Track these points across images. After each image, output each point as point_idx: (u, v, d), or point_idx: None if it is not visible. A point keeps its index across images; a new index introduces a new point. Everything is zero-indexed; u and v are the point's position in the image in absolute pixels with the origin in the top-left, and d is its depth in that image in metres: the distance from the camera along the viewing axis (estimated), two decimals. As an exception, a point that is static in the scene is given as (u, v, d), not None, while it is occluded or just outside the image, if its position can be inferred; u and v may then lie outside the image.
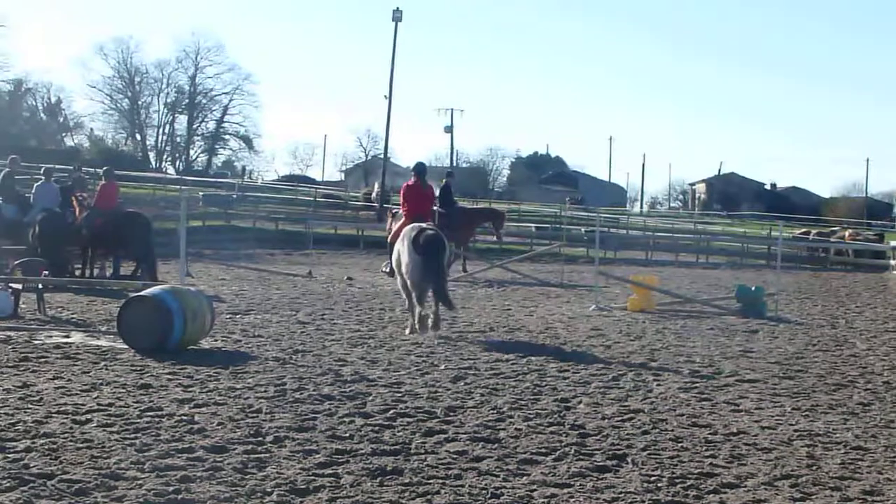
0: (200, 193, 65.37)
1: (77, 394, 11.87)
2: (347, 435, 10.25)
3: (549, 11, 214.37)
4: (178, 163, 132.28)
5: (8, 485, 8.09)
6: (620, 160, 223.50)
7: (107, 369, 13.56)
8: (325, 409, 11.41)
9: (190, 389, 12.33)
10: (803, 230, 67.34)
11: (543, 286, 31.18)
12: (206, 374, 13.32)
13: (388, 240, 21.40)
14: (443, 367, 14.68)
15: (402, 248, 18.58)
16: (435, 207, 35.67)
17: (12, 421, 10.31)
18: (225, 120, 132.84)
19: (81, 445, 9.41)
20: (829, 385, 14.46)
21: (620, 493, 8.59)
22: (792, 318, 23.58)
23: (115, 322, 16.01)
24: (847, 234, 60.90)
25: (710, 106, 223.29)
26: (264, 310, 21.43)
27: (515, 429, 10.82)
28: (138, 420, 10.56)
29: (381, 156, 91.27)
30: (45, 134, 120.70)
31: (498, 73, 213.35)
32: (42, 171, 29.20)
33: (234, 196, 68.08)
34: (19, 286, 19.87)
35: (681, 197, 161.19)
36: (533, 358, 15.81)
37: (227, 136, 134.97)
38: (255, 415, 11.03)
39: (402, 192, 21.18)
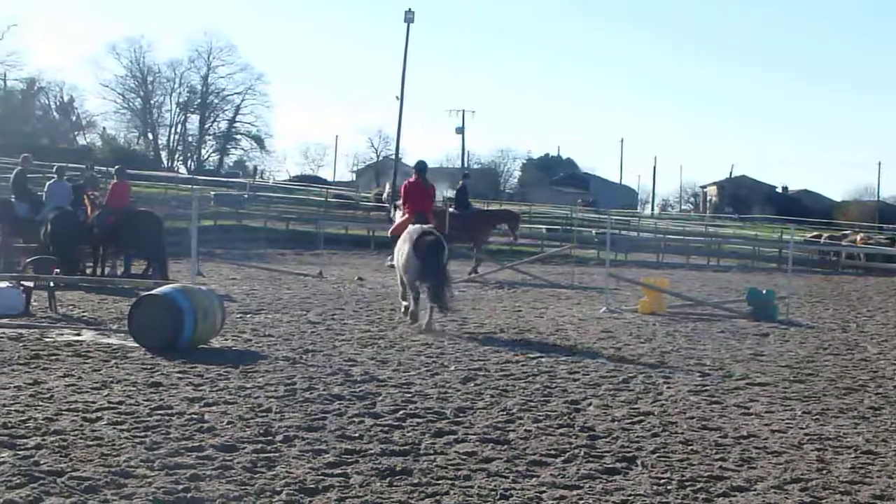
0: (212, 193, 65.45)
1: (87, 391, 11.89)
2: (357, 435, 10.25)
3: (562, 13, 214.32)
4: (189, 162, 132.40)
5: (18, 481, 8.11)
6: (632, 162, 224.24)
7: (117, 367, 13.59)
8: (334, 409, 11.42)
9: (200, 388, 12.35)
10: (815, 233, 67.16)
11: (554, 288, 31.18)
12: (216, 373, 13.33)
13: (390, 234, 22.10)
14: (453, 368, 14.68)
15: (403, 248, 19.31)
16: (451, 209, 35.95)
17: (23, 418, 10.33)
18: (237, 120, 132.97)
19: (91, 443, 9.42)
20: (839, 389, 14.43)
21: (630, 495, 8.58)
22: (803, 322, 23.54)
23: (126, 320, 16.03)
24: (858, 237, 60.76)
25: (721, 108, 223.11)
26: (275, 309, 21.46)
27: (525, 430, 10.82)
28: (148, 418, 10.57)
29: (393, 156, 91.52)
30: (58, 132, 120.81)
31: (509, 75, 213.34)
32: (54, 170, 29.24)
33: (246, 196, 68.11)
34: (31, 284, 19.92)
35: (692, 199, 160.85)
36: (543, 360, 15.80)
37: (238, 136, 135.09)
38: (264, 414, 11.03)
39: (403, 189, 21.90)
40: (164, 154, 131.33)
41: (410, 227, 19.77)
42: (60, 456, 8.92)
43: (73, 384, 12.29)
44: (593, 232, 58.81)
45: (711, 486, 8.95)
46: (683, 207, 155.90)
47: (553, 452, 9.88)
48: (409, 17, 78.16)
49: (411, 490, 8.43)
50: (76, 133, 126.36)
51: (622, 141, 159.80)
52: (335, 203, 71.65)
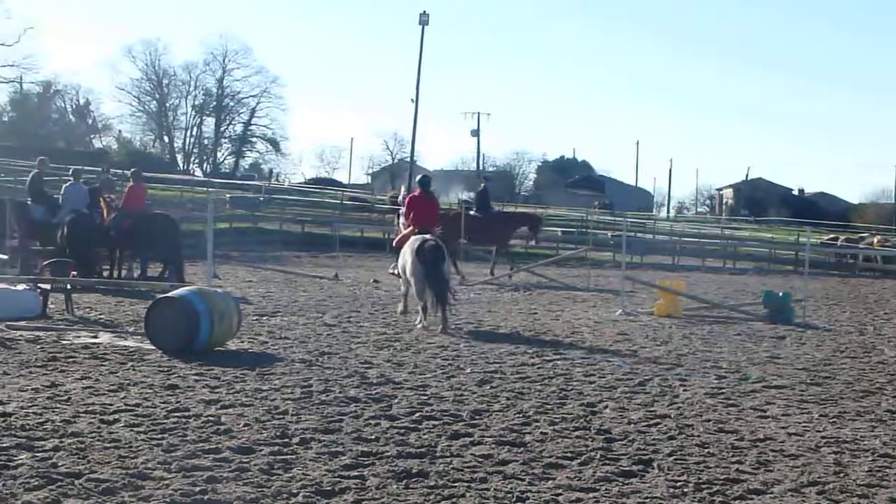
0: (228, 196, 65.48)
1: (105, 394, 11.92)
2: (373, 437, 10.26)
3: (577, 16, 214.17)
4: (205, 165, 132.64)
5: (36, 483, 8.14)
6: (647, 165, 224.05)
7: (134, 370, 13.62)
8: (350, 412, 11.43)
9: (217, 390, 12.38)
10: (831, 236, 66.91)
11: (570, 290, 31.15)
12: (232, 376, 13.36)
13: (395, 244, 23.04)
14: (469, 370, 14.68)
15: (407, 257, 20.29)
16: (472, 211, 36.01)
17: (41, 420, 10.37)
18: (252, 122, 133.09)
19: (109, 445, 9.45)
20: (856, 392, 14.39)
21: (646, 498, 8.58)
22: (820, 325, 23.47)
23: (143, 323, 16.07)
24: (876, 240, 60.55)
25: (738, 110, 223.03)
26: (291, 312, 21.49)
27: (541, 433, 10.81)
28: (165, 420, 10.60)
29: (408, 159, 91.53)
30: (74, 135, 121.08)
31: (525, 77, 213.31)
32: (71, 173, 29.33)
33: (261, 198, 68.19)
34: (48, 286, 19.98)
35: (708, 202, 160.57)
36: (559, 362, 15.80)
37: (254, 139, 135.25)
38: (281, 416, 11.05)
39: (407, 202, 22.84)
40: (179, 157, 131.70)
41: (413, 236, 20.71)
42: (78, 458, 8.95)
43: (90, 386, 12.33)
44: (609, 234, 58.76)
45: (728, 489, 8.93)
46: (699, 210, 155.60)
47: (569, 455, 9.88)
48: (423, 19, 78.25)
49: (427, 492, 8.44)
50: (92, 136, 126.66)
51: (638, 143, 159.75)
52: (350, 206, 71.66)
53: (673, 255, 53.93)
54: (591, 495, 8.57)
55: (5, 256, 24.05)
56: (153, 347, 15.32)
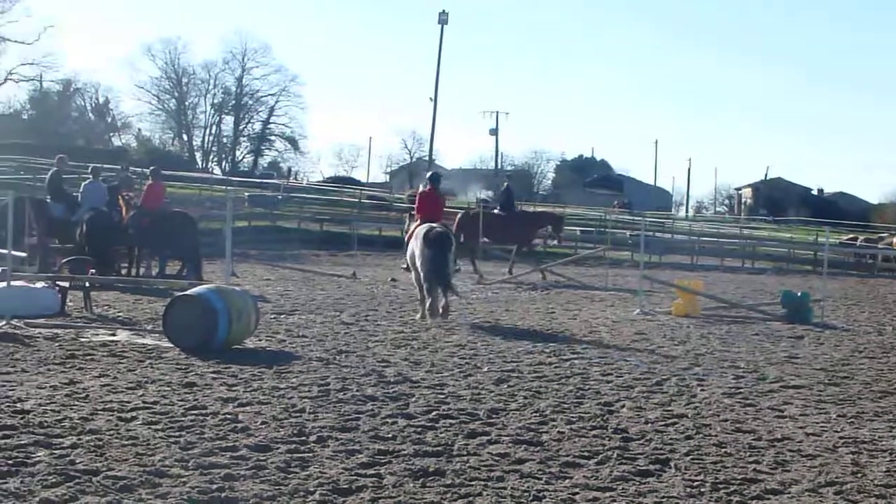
0: (246, 194, 65.56)
1: (123, 391, 11.96)
2: (390, 436, 10.27)
3: (596, 15, 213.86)
4: (224, 163, 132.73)
5: (54, 480, 8.16)
6: (666, 164, 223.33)
7: (152, 367, 13.66)
8: (368, 410, 11.44)
9: (234, 388, 12.40)
10: (850, 236, 66.65)
11: (588, 290, 31.13)
12: (250, 374, 13.39)
13: (406, 239, 23.30)
14: (486, 369, 14.68)
15: (415, 245, 20.98)
16: (495, 210, 36.06)
17: (59, 417, 10.40)
18: (271, 121, 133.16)
19: (126, 442, 9.48)
20: (874, 392, 14.34)
21: (663, 497, 8.57)
22: (838, 325, 23.41)
23: (161, 321, 16.11)
24: (895, 240, 60.36)
25: (757, 110, 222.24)
26: (309, 310, 21.52)
27: (558, 432, 10.81)
28: (183, 418, 10.63)
29: (426, 158, 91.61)
30: (93, 134, 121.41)
31: (543, 76, 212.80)
32: (90, 171, 29.39)
33: (280, 197, 68.25)
34: (67, 284, 20.04)
35: (726, 201, 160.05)
36: (576, 361, 15.79)
37: (272, 137, 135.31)
38: (298, 414, 11.07)
39: (417, 197, 23.60)
40: (198, 155, 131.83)
41: (420, 226, 21.29)
42: (96, 455, 8.98)
43: (108, 384, 12.37)
44: (627, 234, 58.67)
45: (745, 489, 8.91)
46: (718, 209, 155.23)
47: (586, 454, 9.88)
48: (443, 18, 78.48)
49: (444, 491, 8.44)
50: (111, 134, 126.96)
51: (656, 142, 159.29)
52: (369, 204, 71.67)
53: (691, 255, 53.83)
54: (607, 494, 8.57)
55: (24, 254, 24.10)
56: (171, 345, 15.36)
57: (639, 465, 9.53)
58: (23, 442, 9.33)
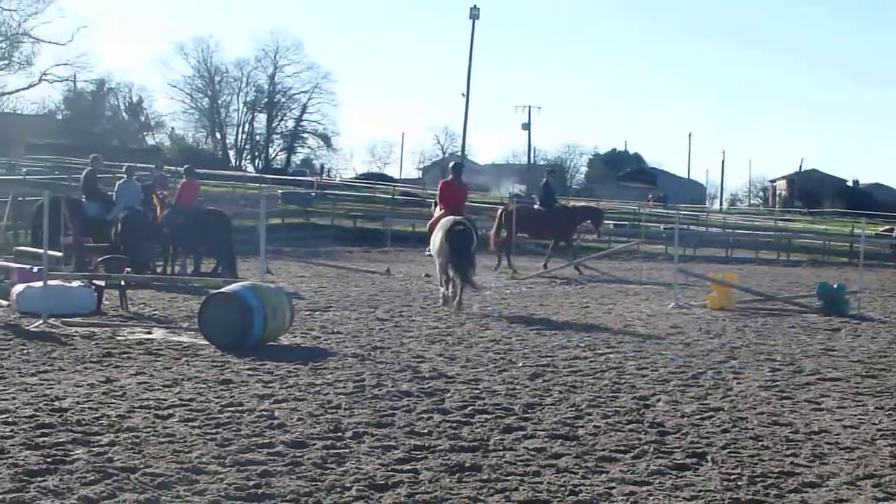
0: (279, 191, 65.71)
1: (159, 389, 12.01)
2: (426, 431, 10.28)
3: (629, 9, 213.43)
4: (257, 161, 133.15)
5: (92, 478, 8.21)
6: (700, 157, 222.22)
7: (188, 365, 13.71)
8: (403, 406, 11.45)
9: (270, 385, 12.44)
10: (886, 227, 66.19)
11: (622, 284, 31.04)
12: (285, 370, 13.42)
13: (428, 228, 24.25)
14: (521, 364, 14.67)
15: (437, 237, 21.59)
16: (536, 205, 36.08)
17: (96, 415, 10.46)
18: (303, 118, 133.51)
19: (164, 440, 9.52)
20: (912, 384, 14.26)
21: (700, 491, 8.54)
22: (875, 317, 23.28)
23: (197, 319, 16.17)
24: (932, 231, 59.91)
25: (790, 102, 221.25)
26: (343, 307, 21.55)
27: (594, 426, 10.79)
28: (219, 415, 10.66)
29: (459, 153, 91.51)
30: (127, 133, 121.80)
31: (576, 70, 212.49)
32: (124, 170, 29.50)
33: (313, 194, 68.32)
34: (103, 283, 20.13)
35: (761, 194, 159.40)
36: (611, 355, 15.76)
37: (305, 135, 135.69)
38: (334, 410, 11.09)
39: (439, 187, 24.52)
40: (231, 153, 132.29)
41: (444, 218, 21.98)
42: (133, 452, 9.03)
43: (144, 382, 12.43)
44: (661, 227, 58.47)
45: (782, 482, 8.88)
46: (752, 202, 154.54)
47: (622, 448, 9.86)
48: (474, 13, 78.41)
49: (480, 486, 8.44)
50: (145, 133, 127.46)
51: (690, 135, 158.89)
52: (402, 200, 71.69)
53: (726, 248, 53.60)
54: (644, 489, 8.55)
55: (60, 253, 24.23)
56: (207, 343, 15.42)
57: (675, 459, 9.50)
58: (61, 440, 9.39)
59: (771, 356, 16.29)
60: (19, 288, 19.45)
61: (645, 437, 10.35)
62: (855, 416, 11.87)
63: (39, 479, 8.17)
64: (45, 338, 15.94)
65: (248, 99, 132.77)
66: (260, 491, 8.06)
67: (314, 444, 9.55)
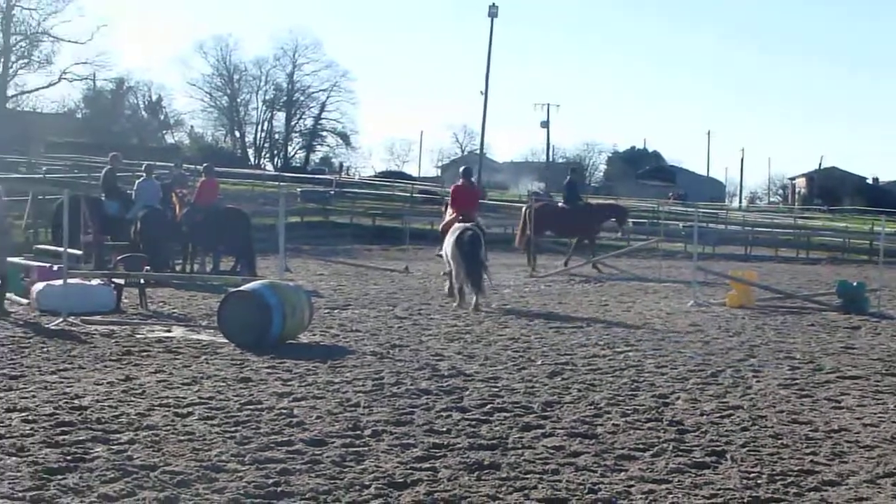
0: (298, 190, 65.90)
1: (178, 387, 12.04)
2: (445, 429, 10.28)
3: (647, 6, 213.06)
4: (276, 159, 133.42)
5: (112, 476, 8.22)
6: (719, 154, 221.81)
7: (207, 363, 13.74)
8: (422, 404, 11.46)
9: (289, 383, 12.45)
10: (906, 225, 66.05)
11: (641, 282, 30.99)
12: (304, 369, 13.44)
13: (441, 229, 24.82)
14: (539, 362, 14.66)
15: (449, 241, 22.15)
16: (560, 203, 36.07)
17: (116, 413, 10.49)
18: (322, 117, 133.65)
19: (183, 438, 9.54)
20: (932, 382, 14.20)
21: (719, 489, 8.52)
22: (895, 315, 23.18)
23: (216, 317, 16.20)
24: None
25: (810, 99, 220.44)
26: (362, 305, 21.58)
27: (613, 424, 10.78)
28: (238, 413, 10.68)
29: (478, 151, 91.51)
30: (146, 131, 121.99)
31: (595, 68, 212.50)
32: (143, 168, 29.56)
33: (332, 192, 68.45)
34: (122, 281, 20.19)
35: (780, 192, 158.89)
36: (630, 354, 15.74)
37: (324, 133, 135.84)
38: (353, 409, 11.10)
39: (451, 191, 25.28)
40: (250, 151, 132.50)
41: (456, 224, 22.47)
42: (153, 451, 9.05)
43: (164, 380, 12.46)
44: (680, 225, 58.42)
45: (802, 481, 8.85)
46: (772, 200, 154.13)
47: (641, 446, 9.84)
48: (492, 11, 78.28)
49: (499, 484, 8.44)
50: (164, 132, 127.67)
51: (709, 133, 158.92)
52: (421, 198, 71.76)
53: (745, 246, 53.49)
54: (663, 487, 8.53)
55: (80, 252, 24.30)
56: (226, 341, 15.44)
57: (694, 458, 9.48)
58: (81, 438, 9.42)
59: (790, 354, 16.25)
60: (39, 286, 19.55)
61: (664, 436, 10.33)
62: (875, 414, 11.83)
63: (59, 477, 8.19)
64: (65, 336, 16.00)
65: (267, 97, 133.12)
66: (279, 489, 8.07)
67: (333, 443, 9.56)
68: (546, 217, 35.44)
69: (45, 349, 14.65)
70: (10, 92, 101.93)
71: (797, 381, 13.74)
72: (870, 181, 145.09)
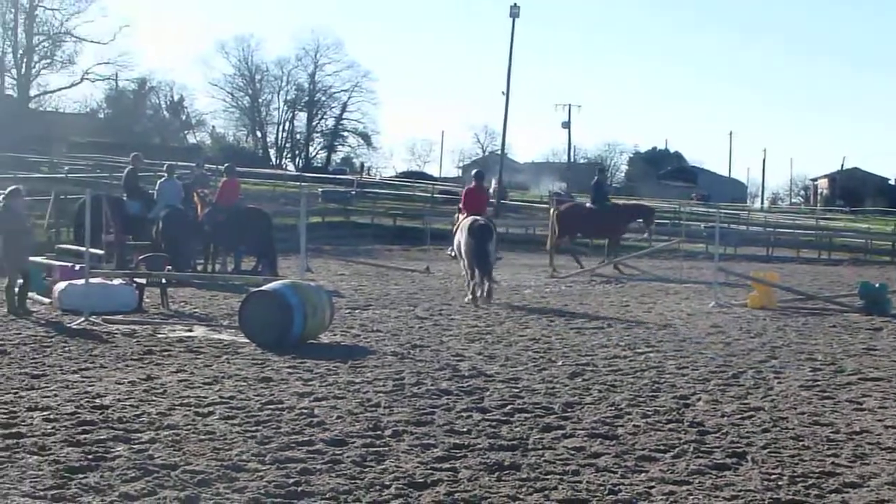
0: (320, 190, 65.98)
1: (200, 386, 12.07)
2: (465, 430, 10.28)
3: (668, 7, 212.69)
4: (297, 159, 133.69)
5: (133, 475, 8.25)
6: (741, 155, 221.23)
7: (228, 363, 13.78)
8: (442, 404, 11.46)
9: (310, 383, 12.47)
10: (929, 226, 65.84)
11: (662, 282, 30.92)
12: (325, 368, 13.46)
13: (453, 231, 25.46)
14: (560, 363, 14.65)
15: (460, 235, 23.33)
16: (588, 204, 36.07)
17: (137, 412, 10.52)
18: (344, 117, 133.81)
19: (204, 437, 9.56)
20: (955, 384, 14.13)
21: (740, 491, 8.50)
22: (917, 316, 23.08)
23: (237, 316, 16.22)
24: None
25: (832, 100, 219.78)
26: (382, 305, 21.59)
27: (634, 425, 10.76)
28: (259, 413, 10.70)
29: (499, 152, 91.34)
30: (168, 131, 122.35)
31: (616, 68, 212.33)
32: (165, 168, 29.63)
33: (353, 192, 68.53)
34: (144, 281, 20.24)
35: (802, 192, 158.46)
36: (651, 355, 15.71)
37: (345, 133, 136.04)
38: (373, 409, 11.11)
39: (463, 193, 26.00)
40: (272, 151, 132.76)
41: (465, 219, 23.57)
42: (174, 450, 9.07)
43: (185, 379, 12.49)
44: (702, 226, 58.29)
45: (823, 483, 8.82)
46: (794, 201, 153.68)
47: (662, 448, 9.82)
48: (514, 11, 78.03)
49: (520, 485, 8.43)
50: (186, 132, 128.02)
51: (731, 134, 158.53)
52: (442, 199, 71.78)
53: (767, 247, 53.34)
54: (684, 488, 8.51)
55: (101, 251, 24.38)
56: (247, 341, 15.47)
57: (715, 459, 9.46)
58: (102, 437, 9.45)
59: (812, 356, 16.20)
60: (61, 285, 19.64)
61: (685, 437, 10.31)
62: (897, 416, 11.79)
63: (81, 475, 8.22)
64: (87, 335, 16.06)
65: (288, 97, 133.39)
66: (299, 489, 8.08)
67: (353, 443, 9.57)
68: (575, 218, 35.36)
69: (66, 348, 14.71)
70: (32, 92, 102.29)
71: (819, 383, 13.69)
72: (892, 182, 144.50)
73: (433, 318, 19.64)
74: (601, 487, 8.42)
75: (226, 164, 32.06)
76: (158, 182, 29.55)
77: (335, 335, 16.73)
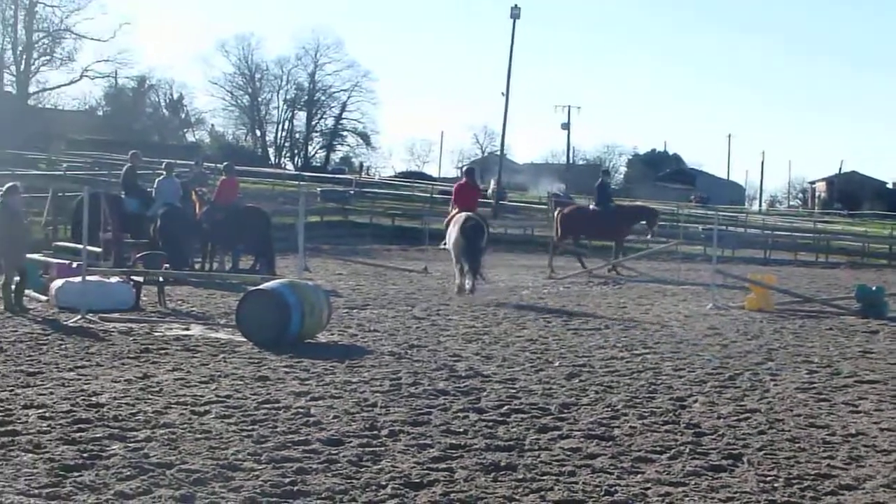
0: (318, 189, 65.96)
1: (196, 385, 12.07)
2: (461, 430, 10.28)
3: (668, 9, 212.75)
4: (296, 159, 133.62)
5: (128, 473, 8.25)
6: (739, 158, 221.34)
7: (225, 362, 13.77)
8: (439, 404, 11.46)
9: (306, 382, 12.47)
10: (926, 230, 65.84)
11: (660, 284, 30.91)
12: (322, 368, 13.45)
13: (445, 225, 26.12)
14: (557, 364, 14.65)
15: (452, 231, 24.17)
16: (591, 206, 36.09)
17: (133, 411, 10.52)
18: (343, 116, 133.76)
19: (200, 436, 9.56)
20: (951, 387, 14.14)
21: (736, 492, 8.50)
22: (914, 319, 23.09)
23: (234, 315, 16.22)
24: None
25: (830, 103, 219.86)
26: (380, 305, 21.59)
27: (630, 427, 10.77)
28: (256, 412, 10.70)
29: (498, 153, 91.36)
30: (167, 130, 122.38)
31: (616, 70, 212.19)
32: (164, 167, 29.61)
33: (352, 192, 68.53)
34: (141, 279, 20.23)
35: (800, 195, 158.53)
36: (648, 356, 15.72)
37: (345, 133, 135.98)
38: (370, 408, 11.11)
39: (454, 189, 27.19)
40: (271, 151, 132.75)
41: (458, 215, 24.38)
42: (170, 449, 9.07)
43: (181, 378, 12.49)
44: (700, 228, 58.29)
45: (819, 485, 8.83)
46: (792, 203, 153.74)
47: (658, 449, 9.83)
48: (515, 12, 78.02)
49: (516, 485, 8.44)
50: (185, 130, 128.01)
51: (729, 136, 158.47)
52: (441, 199, 71.73)
53: (765, 249, 53.32)
54: (680, 489, 8.52)
55: (99, 249, 24.36)
56: (244, 339, 15.47)
57: (711, 461, 9.46)
58: (98, 435, 9.45)
59: (808, 358, 16.20)
60: (58, 283, 19.63)
61: (681, 438, 10.32)
62: (892, 418, 11.79)
63: (76, 474, 8.22)
64: (83, 333, 16.06)
65: (288, 97, 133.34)
66: (295, 488, 8.08)
67: (350, 442, 9.57)
68: (578, 220, 35.37)
69: (63, 346, 14.71)
70: (31, 89, 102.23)
71: (815, 385, 13.70)
72: (890, 186, 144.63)
73: (431, 318, 19.64)
74: (597, 488, 8.42)
75: (225, 163, 32.04)
76: (157, 180, 29.49)
77: (332, 335, 16.73)
